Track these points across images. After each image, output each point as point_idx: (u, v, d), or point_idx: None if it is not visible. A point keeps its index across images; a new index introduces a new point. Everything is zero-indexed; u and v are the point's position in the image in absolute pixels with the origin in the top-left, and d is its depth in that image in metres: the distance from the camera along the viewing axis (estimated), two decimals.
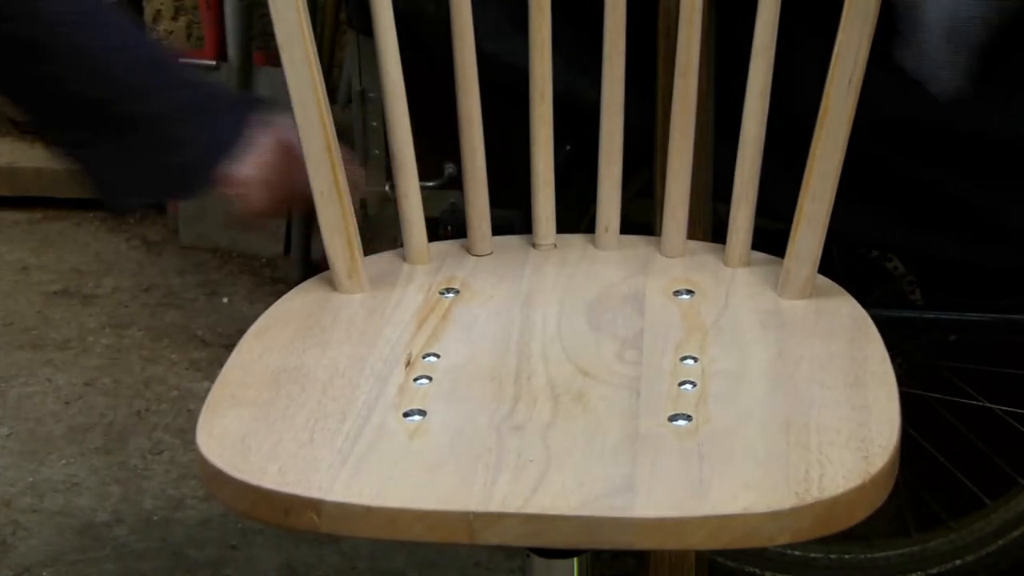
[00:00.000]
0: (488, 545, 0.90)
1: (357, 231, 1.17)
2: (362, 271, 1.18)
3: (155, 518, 1.99)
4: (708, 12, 1.34)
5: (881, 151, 1.44)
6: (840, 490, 0.90)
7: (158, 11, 2.78)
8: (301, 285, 1.19)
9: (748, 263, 1.20)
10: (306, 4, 1.12)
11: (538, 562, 1.07)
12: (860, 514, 0.91)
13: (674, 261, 1.22)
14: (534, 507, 0.89)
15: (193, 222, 2.71)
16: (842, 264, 1.65)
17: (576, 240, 1.26)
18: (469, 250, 1.24)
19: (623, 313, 1.14)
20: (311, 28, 1.13)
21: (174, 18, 2.78)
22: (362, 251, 1.18)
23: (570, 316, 1.13)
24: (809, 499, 0.89)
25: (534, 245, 1.25)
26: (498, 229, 1.25)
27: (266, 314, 1.15)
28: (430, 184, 1.63)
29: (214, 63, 2.65)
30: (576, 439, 0.96)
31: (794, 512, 0.88)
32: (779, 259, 1.19)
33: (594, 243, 1.25)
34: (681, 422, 0.98)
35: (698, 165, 1.22)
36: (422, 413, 1.00)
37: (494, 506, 0.89)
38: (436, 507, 0.89)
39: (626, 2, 1.17)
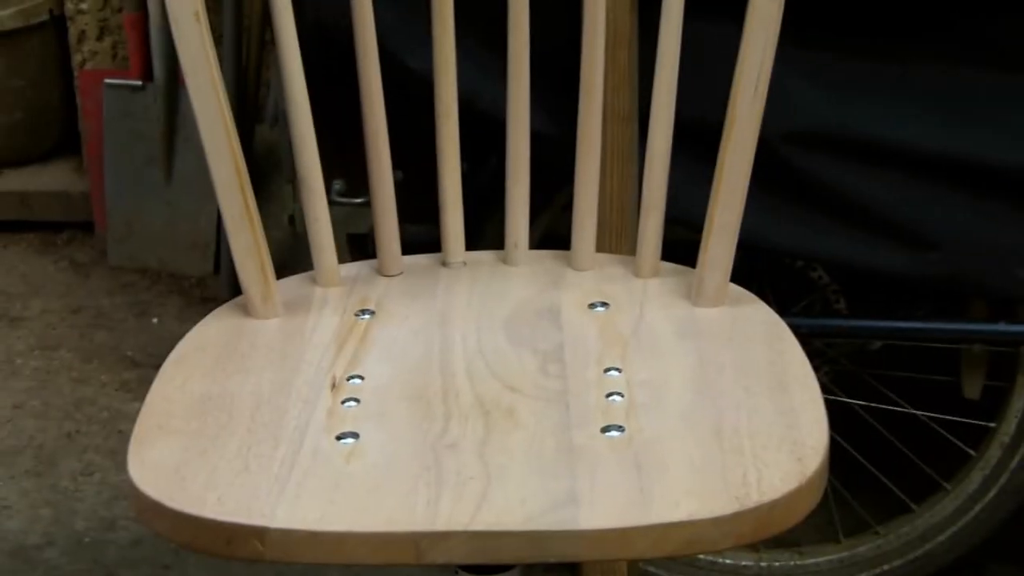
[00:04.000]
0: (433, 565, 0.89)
1: (269, 255, 1.16)
2: (276, 295, 1.17)
3: (87, 540, 1.96)
4: (633, 27, 1.35)
5: (803, 161, 1.46)
6: (778, 493, 0.91)
7: (83, 31, 2.75)
8: (214, 312, 1.18)
9: (658, 274, 1.21)
10: (209, 30, 1.11)
11: None
12: (798, 515, 0.93)
13: (585, 274, 1.22)
14: (480, 524, 0.89)
15: (121, 243, 2.69)
16: (767, 274, 1.67)
17: (485, 257, 1.26)
18: (379, 271, 1.24)
19: (541, 328, 1.14)
20: (216, 53, 1.12)
21: (99, 38, 2.75)
22: (275, 275, 1.17)
23: (488, 333, 1.13)
24: (750, 503, 0.90)
25: (444, 263, 1.25)
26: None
27: (183, 342, 1.13)
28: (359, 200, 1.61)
29: (140, 83, 2.63)
30: (512, 454, 0.96)
31: (736, 517, 0.90)
32: (688, 268, 1.21)
33: (503, 259, 1.25)
34: (614, 433, 0.98)
35: (624, 179, 1.23)
36: (355, 436, 0.99)
37: (440, 525, 0.89)
38: (382, 529, 0.89)
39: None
